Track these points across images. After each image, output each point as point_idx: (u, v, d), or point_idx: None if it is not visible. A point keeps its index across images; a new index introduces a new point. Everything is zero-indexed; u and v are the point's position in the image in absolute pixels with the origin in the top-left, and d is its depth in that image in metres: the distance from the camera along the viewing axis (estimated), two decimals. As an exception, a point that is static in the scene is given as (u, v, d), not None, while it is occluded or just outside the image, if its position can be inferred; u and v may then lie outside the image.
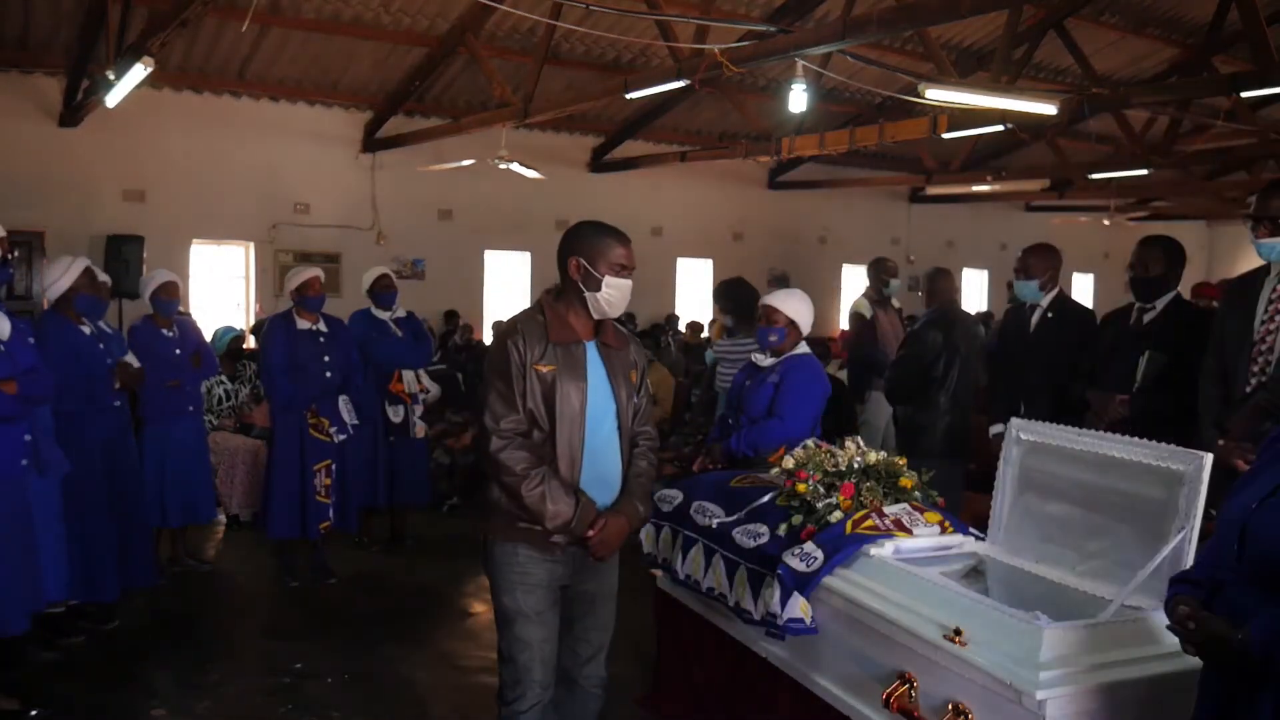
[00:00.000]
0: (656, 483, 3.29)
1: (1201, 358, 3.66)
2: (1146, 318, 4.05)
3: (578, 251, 2.86)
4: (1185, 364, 3.79)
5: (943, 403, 5.22)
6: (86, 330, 4.64)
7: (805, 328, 4.19)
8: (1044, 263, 4.64)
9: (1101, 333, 4.31)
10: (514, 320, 2.93)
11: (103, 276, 4.95)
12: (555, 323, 2.85)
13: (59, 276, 4.57)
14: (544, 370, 2.78)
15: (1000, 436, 3.08)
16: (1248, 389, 3.39)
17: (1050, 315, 4.60)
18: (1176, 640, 1.95)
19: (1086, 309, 4.93)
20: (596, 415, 2.85)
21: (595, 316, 2.89)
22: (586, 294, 2.84)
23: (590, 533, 2.78)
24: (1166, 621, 1.98)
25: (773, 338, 4.14)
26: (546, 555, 2.82)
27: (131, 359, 4.89)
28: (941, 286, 5.58)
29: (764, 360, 4.23)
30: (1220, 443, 3.20)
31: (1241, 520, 1.91)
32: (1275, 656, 1.71)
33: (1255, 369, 3.41)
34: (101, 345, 4.67)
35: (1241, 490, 1.99)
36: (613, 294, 2.86)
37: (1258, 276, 3.52)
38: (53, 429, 4.16)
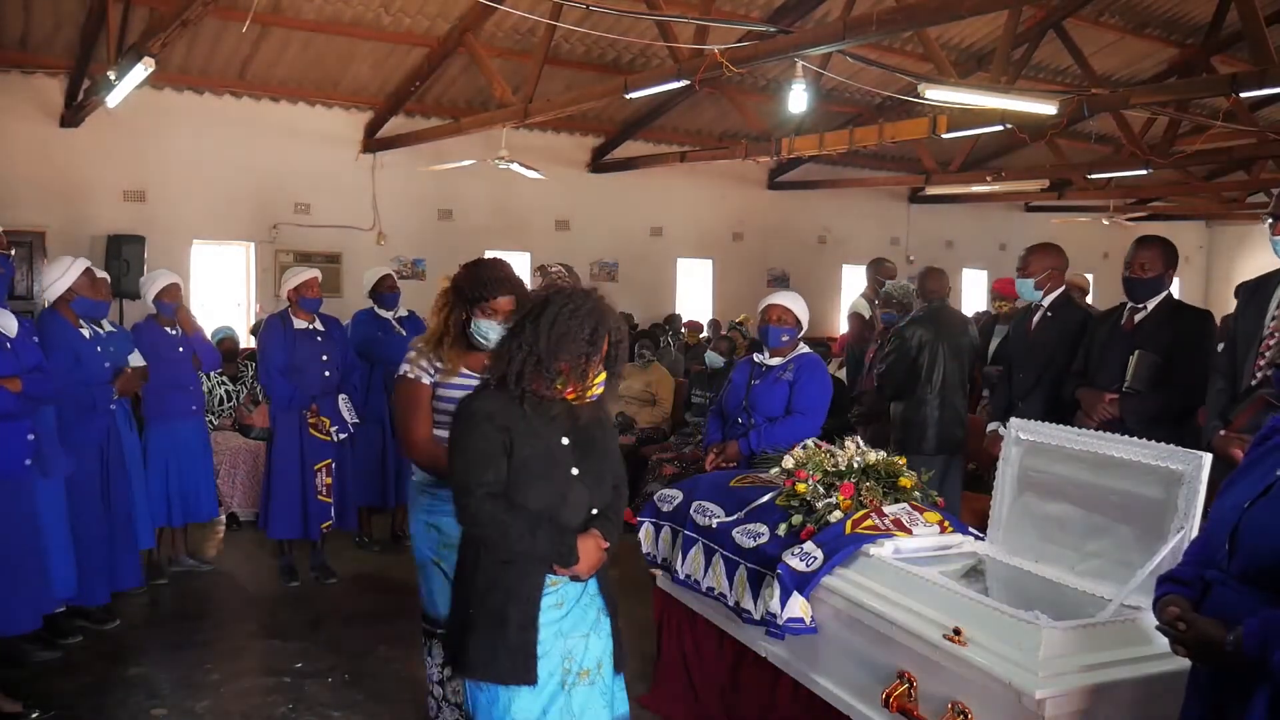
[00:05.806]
0: (657, 482, 2.88)
1: (1192, 357, 3.72)
2: (1138, 317, 4.08)
3: None
4: (1176, 363, 3.83)
5: (930, 398, 5.33)
6: (86, 333, 4.63)
7: (804, 328, 4.36)
8: (1042, 262, 4.65)
9: (1093, 332, 4.33)
10: None
11: (101, 273, 4.92)
12: None
13: (58, 277, 4.55)
14: None
15: (996, 434, 3.10)
16: (1253, 383, 3.42)
17: (1050, 315, 4.61)
18: (1170, 641, 1.90)
19: (1085, 310, 4.93)
20: None
21: None
22: None
23: None
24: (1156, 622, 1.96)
25: (784, 337, 4.27)
26: None
27: (136, 358, 4.89)
28: (931, 286, 5.76)
29: (769, 359, 4.30)
30: (1220, 433, 3.24)
31: (1234, 519, 1.89)
32: (1268, 658, 1.69)
33: (1261, 364, 3.44)
34: (99, 349, 4.66)
35: (1231, 488, 1.98)
36: None
37: (1274, 276, 3.55)
38: (54, 429, 4.17)
